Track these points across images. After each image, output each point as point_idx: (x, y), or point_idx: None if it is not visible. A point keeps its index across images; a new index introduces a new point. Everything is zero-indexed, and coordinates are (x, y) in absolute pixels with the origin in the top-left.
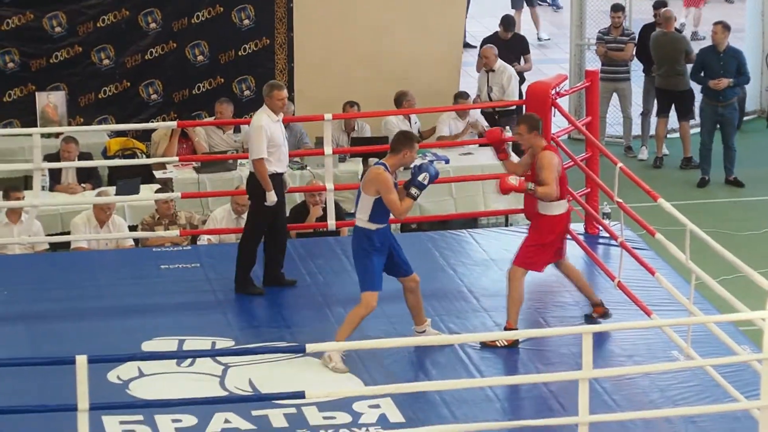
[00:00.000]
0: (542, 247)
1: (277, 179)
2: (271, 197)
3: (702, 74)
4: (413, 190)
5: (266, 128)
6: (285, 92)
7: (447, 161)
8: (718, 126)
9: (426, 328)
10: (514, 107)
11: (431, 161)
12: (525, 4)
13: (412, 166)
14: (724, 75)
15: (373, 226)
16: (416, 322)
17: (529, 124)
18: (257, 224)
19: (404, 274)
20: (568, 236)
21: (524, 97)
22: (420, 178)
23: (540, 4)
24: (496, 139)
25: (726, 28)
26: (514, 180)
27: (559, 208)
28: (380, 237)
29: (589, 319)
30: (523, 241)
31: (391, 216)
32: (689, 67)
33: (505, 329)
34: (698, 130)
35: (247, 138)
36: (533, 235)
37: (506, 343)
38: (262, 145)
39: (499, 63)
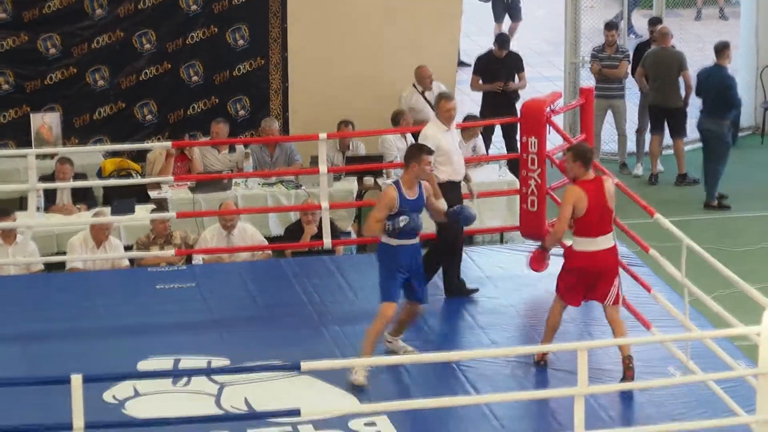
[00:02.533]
0: (565, 272)
1: (450, 186)
2: None
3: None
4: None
5: (431, 138)
6: (452, 103)
7: None
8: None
9: (396, 342)
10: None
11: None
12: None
13: (456, 207)
14: None
15: (393, 242)
16: (392, 332)
17: (575, 152)
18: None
19: (415, 299)
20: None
21: (519, 115)
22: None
23: (522, 19)
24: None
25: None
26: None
27: (578, 243)
28: (404, 253)
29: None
30: None
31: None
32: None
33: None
34: (692, 147)
35: None
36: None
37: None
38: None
39: (434, 83)
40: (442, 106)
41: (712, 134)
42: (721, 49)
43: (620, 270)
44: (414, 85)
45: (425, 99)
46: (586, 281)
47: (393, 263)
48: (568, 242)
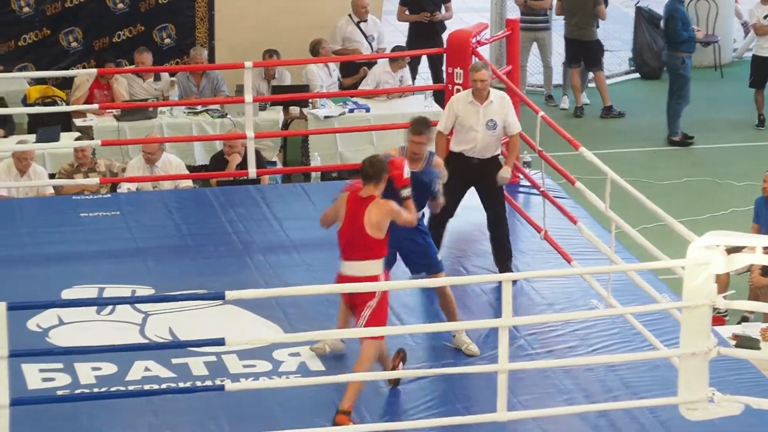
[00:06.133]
0: None
1: (456, 159)
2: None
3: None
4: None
5: (454, 105)
6: (482, 73)
7: (368, 110)
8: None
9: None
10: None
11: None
12: None
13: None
14: None
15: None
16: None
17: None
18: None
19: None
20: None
21: (445, 46)
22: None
23: None
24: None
25: None
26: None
27: None
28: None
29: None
30: None
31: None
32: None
33: None
34: (616, 80)
35: None
36: None
37: None
38: (443, 120)
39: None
40: (471, 76)
41: (669, 67)
42: None
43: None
44: (350, 16)
45: (360, 30)
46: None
47: None
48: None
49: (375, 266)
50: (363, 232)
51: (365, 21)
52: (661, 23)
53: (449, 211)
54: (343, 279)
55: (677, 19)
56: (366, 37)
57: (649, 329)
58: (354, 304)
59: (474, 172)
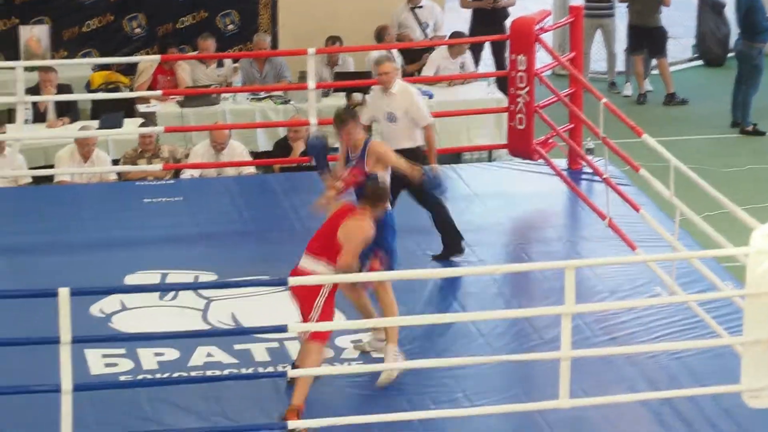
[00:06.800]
0: None
1: None
2: None
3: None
4: None
5: (370, 98)
6: (385, 66)
7: (431, 96)
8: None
9: None
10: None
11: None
12: None
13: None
14: None
15: None
16: None
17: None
18: None
19: None
20: (552, 171)
21: (508, 33)
22: None
23: None
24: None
25: None
26: None
27: None
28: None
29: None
30: None
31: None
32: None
33: None
34: (679, 67)
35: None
36: None
37: None
38: (364, 112)
39: (424, 0)
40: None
41: (742, 56)
42: None
43: (606, 187)
44: (407, 2)
45: (415, 16)
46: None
47: None
48: None
49: (326, 269)
50: (332, 234)
51: (420, 7)
52: (733, 12)
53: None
54: (296, 270)
55: (758, 9)
56: (420, 23)
57: (712, 316)
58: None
59: None
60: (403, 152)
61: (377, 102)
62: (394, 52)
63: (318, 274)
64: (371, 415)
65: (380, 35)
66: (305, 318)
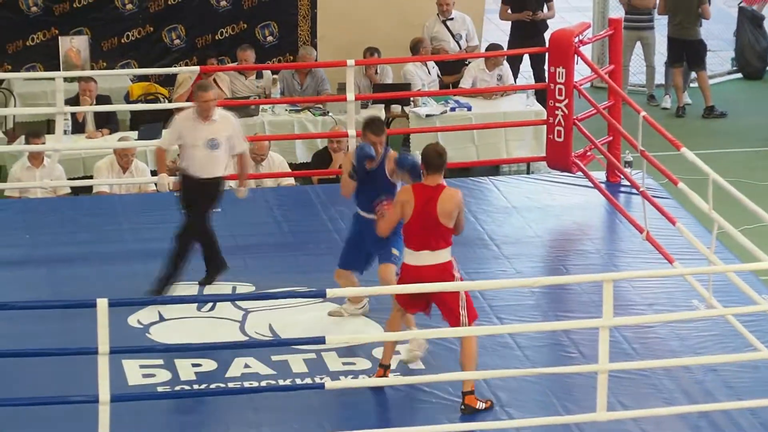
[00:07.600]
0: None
1: (184, 177)
2: (161, 180)
3: None
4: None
5: (178, 122)
6: (209, 94)
7: (469, 108)
8: None
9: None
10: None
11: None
12: None
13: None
14: None
15: None
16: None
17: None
18: None
19: None
20: (590, 184)
21: (547, 45)
22: None
23: None
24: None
25: None
26: None
27: (405, 254)
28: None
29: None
30: None
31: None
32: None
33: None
34: (718, 80)
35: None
36: None
37: None
38: (166, 136)
39: (454, 12)
40: (194, 96)
41: None
42: None
43: (644, 200)
44: (438, 15)
45: (447, 28)
46: (421, 294)
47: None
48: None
49: (448, 253)
50: (436, 221)
51: (451, 19)
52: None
53: (195, 229)
54: (414, 269)
55: None
56: (453, 35)
57: (750, 330)
58: (441, 298)
59: (195, 192)
60: (216, 180)
61: (192, 129)
62: (429, 63)
63: (448, 262)
64: (409, 428)
65: (416, 47)
66: (455, 310)
